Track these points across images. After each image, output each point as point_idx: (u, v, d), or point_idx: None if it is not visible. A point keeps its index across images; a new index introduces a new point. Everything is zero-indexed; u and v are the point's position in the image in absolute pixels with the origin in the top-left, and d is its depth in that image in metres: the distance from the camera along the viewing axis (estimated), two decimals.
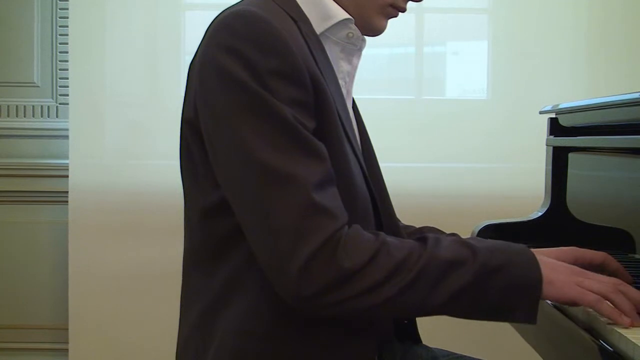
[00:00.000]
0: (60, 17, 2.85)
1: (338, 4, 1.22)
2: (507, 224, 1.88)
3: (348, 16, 1.22)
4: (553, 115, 1.90)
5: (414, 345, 1.42)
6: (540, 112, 1.95)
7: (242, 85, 1.07)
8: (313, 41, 1.17)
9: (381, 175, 1.35)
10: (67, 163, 2.75)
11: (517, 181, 2.76)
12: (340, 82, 1.25)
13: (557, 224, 1.85)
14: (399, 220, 1.47)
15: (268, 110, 1.07)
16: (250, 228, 1.10)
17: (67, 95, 2.78)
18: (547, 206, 1.88)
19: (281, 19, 1.13)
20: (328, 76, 1.17)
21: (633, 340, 1.05)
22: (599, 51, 2.86)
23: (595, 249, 1.63)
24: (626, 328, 1.10)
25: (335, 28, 1.22)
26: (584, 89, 2.77)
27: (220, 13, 1.16)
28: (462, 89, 3.09)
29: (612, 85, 2.73)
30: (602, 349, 1.09)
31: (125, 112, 2.79)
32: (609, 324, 1.11)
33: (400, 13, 1.28)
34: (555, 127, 1.89)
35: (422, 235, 1.15)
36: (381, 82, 2.99)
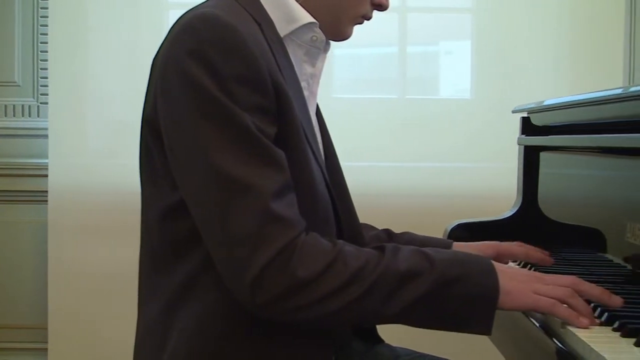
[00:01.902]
0: (41, 17, 2.85)
1: (304, 8, 1.22)
2: (478, 223, 1.88)
3: (312, 20, 1.21)
4: (525, 115, 1.90)
5: (377, 345, 1.42)
6: (513, 111, 1.95)
7: (204, 91, 1.07)
8: (276, 44, 1.17)
9: (343, 178, 1.35)
10: (47, 162, 2.75)
11: (501, 180, 2.76)
12: (303, 84, 1.25)
13: (528, 223, 1.86)
14: (370, 223, 1.48)
15: (229, 118, 1.07)
16: (207, 234, 1.10)
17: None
18: (519, 205, 1.88)
19: (245, 22, 1.12)
20: (290, 80, 1.17)
21: (584, 340, 1.06)
22: (581, 51, 2.86)
23: (566, 248, 1.64)
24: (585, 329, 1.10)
25: (299, 31, 1.22)
26: (567, 88, 2.77)
27: (185, 14, 1.16)
28: (445, 89, 3.09)
29: (595, 85, 2.72)
30: (557, 349, 1.10)
31: (105, 112, 2.79)
32: (567, 325, 1.12)
33: (365, 20, 1.28)
34: (528, 127, 1.89)
35: (381, 244, 1.16)
36: (365, 81, 2.99)
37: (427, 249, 1.15)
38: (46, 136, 2.76)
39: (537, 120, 1.85)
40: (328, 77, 2.88)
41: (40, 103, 2.88)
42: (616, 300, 1.13)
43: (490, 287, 1.11)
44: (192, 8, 1.15)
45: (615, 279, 1.37)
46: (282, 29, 1.20)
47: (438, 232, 1.82)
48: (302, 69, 1.24)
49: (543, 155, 1.85)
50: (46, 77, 2.79)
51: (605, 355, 0.98)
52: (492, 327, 1.11)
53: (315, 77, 1.28)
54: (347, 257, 1.09)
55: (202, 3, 1.17)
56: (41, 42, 2.85)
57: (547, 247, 1.69)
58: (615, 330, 1.09)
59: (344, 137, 2.80)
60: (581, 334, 1.08)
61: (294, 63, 1.22)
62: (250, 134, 1.07)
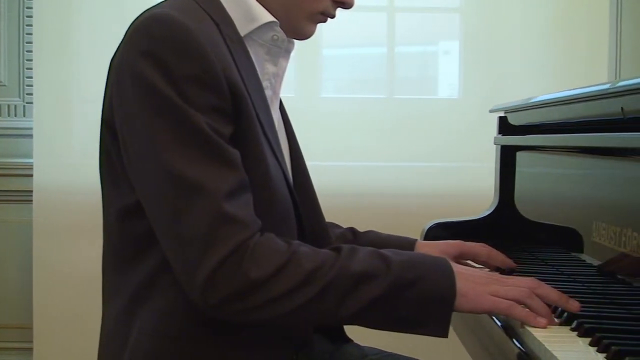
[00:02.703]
0: (27, 16, 2.84)
1: (265, 7, 1.21)
2: (455, 223, 1.87)
3: (273, 19, 1.21)
4: (502, 114, 1.89)
5: (344, 345, 1.42)
6: (491, 111, 1.94)
7: (157, 91, 1.07)
8: (235, 43, 1.17)
9: (308, 177, 1.35)
10: (32, 162, 2.75)
11: (490, 180, 2.76)
12: (266, 83, 1.24)
13: (504, 222, 1.85)
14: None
15: (181, 118, 1.07)
16: (161, 234, 1.11)
17: None
18: (495, 205, 1.88)
19: (201, 22, 1.12)
20: (249, 79, 1.17)
21: (540, 339, 1.06)
22: (570, 51, 2.85)
23: (542, 247, 1.64)
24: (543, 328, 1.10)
25: (260, 30, 1.21)
26: (555, 88, 2.74)
27: (140, 14, 1.16)
28: (433, 88, 3.09)
29: (583, 84, 2.72)
30: (517, 349, 1.10)
31: (91, 112, 2.76)
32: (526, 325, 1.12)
33: (329, 19, 1.27)
34: (505, 126, 1.89)
35: (338, 245, 1.16)
36: (353, 81, 2.99)
37: (385, 251, 1.14)
38: (32, 136, 2.76)
39: (514, 119, 1.85)
40: (316, 77, 2.88)
41: (26, 103, 2.88)
42: (573, 305, 1.13)
43: (447, 289, 1.11)
44: (148, 8, 1.15)
45: (583, 279, 1.37)
46: (243, 29, 1.20)
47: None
48: (264, 68, 1.24)
49: (521, 154, 1.85)
50: (32, 77, 2.78)
51: (558, 355, 0.98)
52: (449, 329, 1.11)
53: (278, 77, 1.27)
54: (302, 258, 1.09)
55: (160, 3, 1.17)
56: (27, 42, 2.85)
57: (522, 247, 1.70)
58: (573, 330, 1.09)
59: (333, 137, 2.83)
60: (539, 333, 1.08)
61: (255, 62, 1.22)
62: (204, 134, 1.07)
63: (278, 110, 1.33)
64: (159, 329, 1.15)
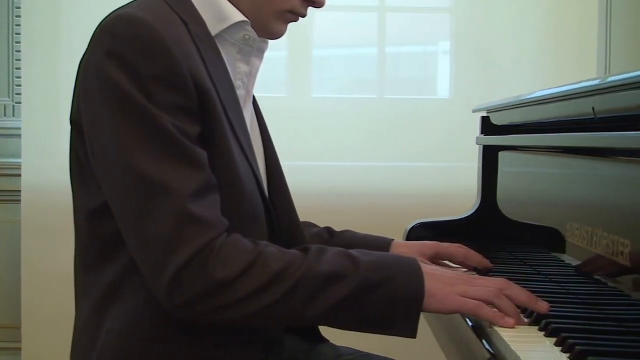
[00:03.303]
0: (16, 16, 2.85)
1: (235, 6, 1.21)
2: (437, 223, 1.87)
3: (243, 18, 1.21)
4: (485, 114, 1.89)
5: (319, 344, 1.41)
6: (473, 111, 1.94)
7: (122, 91, 1.06)
8: (205, 43, 1.17)
9: (283, 177, 1.35)
10: (20, 162, 2.75)
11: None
12: (238, 83, 1.24)
13: (487, 222, 1.85)
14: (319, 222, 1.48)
15: (146, 118, 1.06)
16: (127, 235, 1.11)
17: None
18: (477, 205, 1.87)
19: (167, 22, 1.12)
20: (219, 78, 1.16)
21: (505, 339, 1.05)
22: (561, 51, 2.85)
23: (524, 248, 1.64)
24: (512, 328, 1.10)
25: (231, 30, 1.21)
26: (546, 87, 2.76)
27: (108, 15, 1.16)
28: (424, 88, 3.08)
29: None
30: (485, 349, 1.09)
31: None
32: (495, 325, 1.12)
33: (300, 17, 1.27)
34: (487, 126, 1.89)
35: (306, 245, 1.15)
36: (344, 81, 2.99)
37: (354, 251, 1.14)
38: (20, 136, 2.76)
39: (496, 119, 1.85)
40: (307, 77, 2.88)
41: (16, 102, 2.88)
42: (542, 306, 1.13)
43: (415, 289, 1.10)
44: (116, 9, 1.15)
45: (559, 279, 1.37)
46: (213, 28, 1.20)
47: None
48: (236, 68, 1.24)
49: (503, 153, 1.84)
50: (21, 77, 2.78)
51: (521, 355, 0.98)
52: (417, 330, 1.11)
53: (251, 76, 1.27)
54: (268, 258, 1.09)
55: (128, 3, 1.17)
56: (16, 42, 2.86)
57: (504, 247, 1.70)
58: (540, 329, 1.09)
59: (324, 137, 2.83)
60: (506, 333, 1.08)
61: (227, 62, 1.22)
62: (168, 135, 1.06)
63: (252, 109, 1.33)
64: (128, 329, 1.15)
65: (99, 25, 1.14)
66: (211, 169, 1.11)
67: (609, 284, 1.22)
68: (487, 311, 1.11)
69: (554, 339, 1.04)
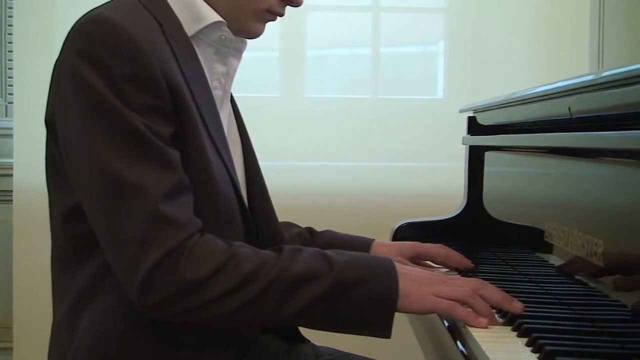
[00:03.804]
0: (8, 17, 2.85)
1: (212, 7, 1.21)
2: (424, 223, 1.87)
3: (219, 19, 1.21)
4: (471, 114, 1.89)
5: (299, 344, 1.41)
6: (460, 111, 1.94)
7: (94, 92, 1.07)
8: (180, 44, 1.16)
9: (261, 177, 1.35)
10: (12, 162, 2.75)
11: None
12: (215, 83, 1.24)
13: (473, 222, 1.85)
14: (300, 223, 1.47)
15: (118, 119, 1.06)
16: (99, 236, 1.11)
17: None
18: (464, 205, 1.87)
19: (140, 23, 1.12)
20: (194, 79, 1.16)
21: (477, 339, 1.05)
22: (555, 52, 2.84)
23: (509, 248, 1.64)
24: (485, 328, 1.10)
25: (207, 30, 1.21)
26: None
27: (82, 16, 1.16)
28: (418, 88, 3.08)
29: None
30: (459, 349, 1.09)
31: None
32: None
33: (279, 17, 1.27)
34: (474, 126, 1.88)
35: (280, 246, 1.15)
36: (338, 81, 2.98)
37: (329, 251, 1.14)
38: (12, 136, 2.76)
39: (482, 119, 1.85)
40: (301, 77, 2.88)
41: (9, 103, 2.88)
42: (517, 307, 1.12)
43: (389, 289, 1.10)
44: (90, 10, 1.15)
45: (539, 279, 1.36)
46: (189, 29, 1.20)
47: None
48: (213, 68, 1.24)
49: (490, 153, 1.84)
50: (13, 77, 2.78)
51: (490, 355, 0.98)
52: (391, 330, 1.11)
53: (228, 76, 1.27)
54: (241, 258, 1.08)
55: (103, 4, 1.17)
56: (8, 42, 2.86)
57: (489, 247, 1.70)
58: (513, 330, 1.09)
59: (317, 137, 2.83)
60: (479, 334, 1.08)
61: (203, 62, 1.22)
62: (141, 135, 1.06)
63: (230, 110, 1.33)
64: (102, 330, 1.15)
65: (72, 27, 1.14)
66: (185, 170, 1.11)
67: (590, 284, 1.22)
68: (461, 311, 1.11)
69: (525, 339, 1.03)
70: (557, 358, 0.94)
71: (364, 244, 1.44)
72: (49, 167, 1.21)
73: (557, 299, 1.24)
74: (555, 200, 1.35)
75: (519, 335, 1.06)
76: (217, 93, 1.24)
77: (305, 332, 1.39)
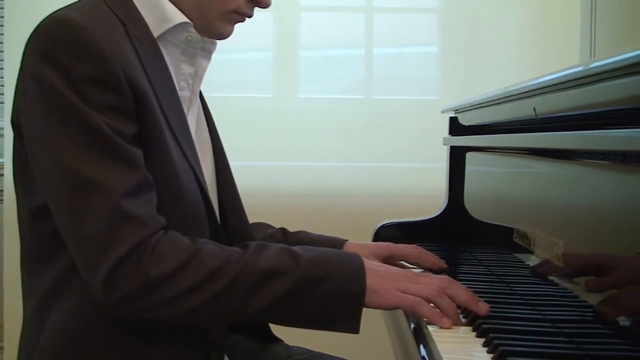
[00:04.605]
0: (0, 17, 2.86)
1: (178, 8, 1.21)
2: (406, 223, 1.87)
3: (185, 20, 1.21)
4: (453, 114, 1.89)
5: (271, 344, 1.42)
6: (442, 111, 1.94)
7: (56, 93, 1.07)
8: (144, 44, 1.17)
9: (231, 177, 1.35)
10: (3, 162, 2.76)
11: None
12: (182, 84, 1.24)
13: (454, 222, 1.85)
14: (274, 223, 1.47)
15: (80, 118, 1.07)
16: (64, 234, 1.11)
17: None
18: (445, 205, 1.87)
19: (103, 24, 1.12)
20: (158, 80, 1.16)
21: (435, 339, 1.05)
22: (549, 51, 2.84)
23: (487, 248, 1.64)
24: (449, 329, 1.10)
25: (173, 31, 1.21)
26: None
27: (45, 18, 1.16)
28: (412, 89, 3.07)
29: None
30: (419, 349, 1.09)
31: None
32: (430, 324, 1.12)
33: (247, 18, 1.27)
34: (455, 126, 1.88)
35: (246, 242, 1.15)
36: (332, 82, 2.98)
37: (297, 247, 1.14)
38: (3, 135, 2.77)
39: (463, 119, 1.85)
40: (293, 77, 2.88)
41: (0, 102, 2.89)
42: (482, 308, 1.12)
43: (356, 285, 1.10)
44: (54, 11, 1.15)
45: (510, 279, 1.36)
46: (156, 30, 1.20)
47: None
48: (181, 69, 1.24)
49: (472, 154, 1.84)
50: (3, 77, 2.79)
51: (444, 355, 0.98)
52: (359, 325, 1.10)
53: (197, 77, 1.27)
54: (205, 255, 1.09)
55: (67, 5, 1.17)
56: (0, 43, 2.86)
57: (467, 247, 1.69)
58: (474, 330, 1.09)
59: (310, 138, 2.83)
60: (440, 333, 1.08)
61: (170, 63, 1.22)
62: (102, 134, 1.07)
63: (200, 110, 1.33)
64: (67, 329, 1.15)
65: (35, 28, 1.14)
66: (149, 169, 1.11)
67: (560, 285, 1.22)
68: (426, 309, 1.11)
69: (483, 340, 1.03)
70: (509, 358, 0.93)
71: (337, 244, 1.44)
72: (16, 167, 1.21)
73: (523, 299, 1.24)
74: (534, 201, 1.34)
75: (478, 336, 1.06)
76: (184, 94, 1.25)
77: (278, 331, 1.40)
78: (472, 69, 2.87)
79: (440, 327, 1.10)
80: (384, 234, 1.85)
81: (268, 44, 2.89)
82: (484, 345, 1.01)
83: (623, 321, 0.99)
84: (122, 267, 1.05)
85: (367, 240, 1.82)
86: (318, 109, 2.86)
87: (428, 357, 1.03)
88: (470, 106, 1.68)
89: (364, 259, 1.15)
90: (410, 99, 2.95)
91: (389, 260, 1.46)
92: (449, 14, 2.90)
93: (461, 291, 1.15)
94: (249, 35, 2.94)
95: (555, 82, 1.11)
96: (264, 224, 1.50)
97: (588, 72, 0.99)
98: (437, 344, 1.03)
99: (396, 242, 1.53)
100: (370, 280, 1.11)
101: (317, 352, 1.42)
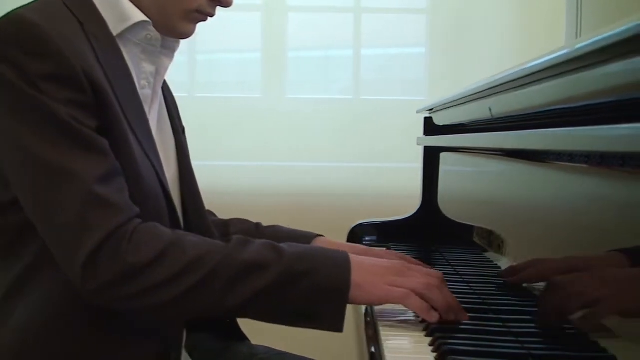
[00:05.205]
0: None
1: (138, 7, 1.22)
2: (381, 223, 1.88)
3: (144, 18, 1.21)
4: (428, 114, 1.89)
5: (236, 343, 1.42)
6: (417, 112, 1.94)
7: (15, 90, 1.07)
8: (103, 43, 1.17)
9: (193, 175, 1.35)
10: None
11: None
12: (143, 82, 1.25)
13: (428, 223, 1.85)
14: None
15: (43, 111, 1.07)
16: (38, 225, 1.11)
17: None
18: (419, 205, 1.88)
19: (58, 22, 1.13)
20: (117, 78, 1.16)
21: (383, 337, 1.05)
22: (537, 52, 2.83)
23: (459, 248, 1.64)
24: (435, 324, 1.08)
25: (132, 30, 1.22)
26: None
27: (1, 18, 1.17)
28: (400, 89, 3.08)
29: None
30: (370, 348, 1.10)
31: None
32: (422, 321, 1.11)
33: (209, 17, 1.27)
34: (430, 127, 1.89)
35: (230, 237, 1.15)
36: (319, 82, 2.99)
37: (284, 244, 1.13)
38: None
39: (437, 119, 1.85)
40: (282, 78, 2.89)
41: None
42: (461, 317, 1.11)
43: (340, 281, 1.08)
44: (10, 11, 1.16)
45: (472, 279, 1.37)
46: (115, 28, 1.20)
47: None
48: (141, 67, 1.24)
49: (446, 154, 1.84)
50: None
51: (388, 355, 0.99)
52: (343, 324, 1.08)
53: (159, 75, 1.27)
54: (186, 245, 1.08)
55: (24, 4, 1.18)
56: None
57: (439, 247, 1.70)
58: (424, 329, 1.09)
59: (298, 138, 2.83)
60: (392, 332, 1.09)
61: (131, 61, 1.22)
62: (67, 125, 1.07)
63: (163, 109, 1.33)
64: (25, 324, 1.15)
65: None
66: None
67: (524, 287, 1.22)
68: (414, 301, 1.09)
69: (430, 339, 1.04)
70: (449, 357, 0.94)
71: (307, 239, 1.43)
72: None
73: (481, 299, 1.24)
74: (510, 202, 1.34)
75: (427, 335, 1.06)
76: (145, 92, 1.25)
77: (250, 331, 1.40)
78: (460, 70, 2.87)
79: (429, 322, 1.08)
80: (358, 234, 1.86)
81: (256, 44, 2.90)
82: (430, 344, 1.02)
83: (567, 324, 1.00)
84: (100, 254, 1.05)
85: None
86: (307, 109, 2.87)
87: (376, 354, 1.04)
88: (442, 106, 1.68)
89: (350, 254, 1.13)
90: (398, 100, 2.96)
91: None
92: (437, 15, 2.91)
93: (439, 294, 1.11)
94: (238, 36, 2.96)
95: (514, 77, 1.10)
96: (241, 219, 1.49)
97: (564, 57, 0.92)
98: (385, 342, 1.03)
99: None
100: (356, 275, 1.09)
101: (280, 351, 1.42)
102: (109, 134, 1.12)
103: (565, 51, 0.89)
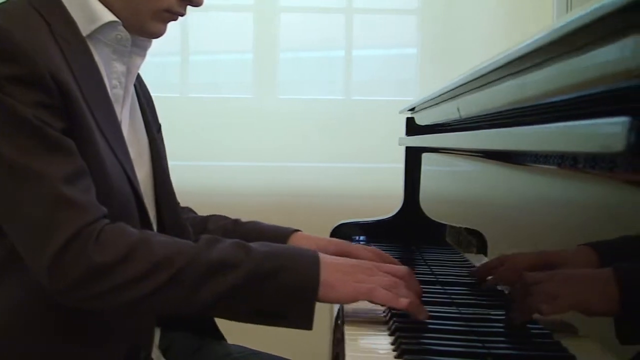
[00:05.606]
0: None
1: (107, 7, 1.22)
2: (362, 223, 1.87)
3: (114, 18, 1.22)
4: (410, 115, 1.89)
5: (212, 342, 1.42)
6: (400, 112, 1.94)
7: None
8: (71, 44, 1.17)
9: (167, 174, 1.36)
10: None
11: None
12: (114, 82, 1.25)
13: (409, 223, 1.85)
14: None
15: (8, 112, 1.08)
16: (7, 228, 1.12)
17: None
18: (401, 205, 1.88)
19: (25, 24, 1.13)
20: (85, 78, 1.17)
21: (347, 334, 1.06)
22: None
23: (439, 248, 1.64)
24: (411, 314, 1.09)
25: (102, 30, 1.22)
26: None
27: None
28: (391, 90, 3.08)
29: None
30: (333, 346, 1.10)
31: None
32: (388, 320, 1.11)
33: (180, 17, 1.27)
34: (412, 127, 1.89)
35: (199, 236, 1.16)
36: (311, 82, 2.99)
37: (254, 243, 1.13)
38: None
39: (419, 119, 1.85)
40: (274, 78, 2.89)
41: None
42: (422, 315, 1.10)
43: (309, 279, 1.09)
44: None
45: (446, 280, 1.37)
46: (85, 29, 1.21)
47: None
48: (112, 67, 1.25)
49: (428, 154, 1.84)
50: None
51: (348, 354, 0.98)
52: (312, 322, 1.09)
53: (130, 74, 1.28)
54: (153, 245, 1.09)
55: None
56: None
57: (423, 247, 1.70)
58: (388, 328, 1.09)
59: (290, 138, 2.84)
60: (356, 331, 1.08)
61: (102, 61, 1.22)
62: (32, 125, 1.08)
63: (136, 107, 1.34)
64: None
65: None
66: None
67: (499, 288, 1.22)
68: (380, 293, 1.09)
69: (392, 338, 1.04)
70: (406, 356, 0.94)
71: (284, 234, 1.43)
72: None
73: (451, 299, 1.24)
74: (492, 201, 1.33)
75: (390, 334, 1.06)
76: (117, 92, 1.25)
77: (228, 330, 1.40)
78: (451, 70, 2.86)
79: (399, 308, 1.09)
80: (340, 233, 1.86)
81: (248, 45, 2.90)
82: (392, 343, 1.02)
83: (531, 323, 1.00)
84: (66, 253, 1.05)
85: None
86: (299, 109, 2.87)
87: (339, 354, 1.04)
88: (421, 105, 1.68)
89: (319, 253, 1.14)
90: (389, 100, 2.95)
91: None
92: (428, 16, 2.91)
93: (416, 283, 1.14)
94: (230, 36, 2.96)
95: (480, 74, 1.09)
96: (220, 216, 1.49)
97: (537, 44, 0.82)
98: (348, 341, 1.04)
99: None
100: (326, 274, 1.10)
101: (255, 350, 1.43)
102: (75, 134, 1.13)
103: (543, 34, 0.79)
